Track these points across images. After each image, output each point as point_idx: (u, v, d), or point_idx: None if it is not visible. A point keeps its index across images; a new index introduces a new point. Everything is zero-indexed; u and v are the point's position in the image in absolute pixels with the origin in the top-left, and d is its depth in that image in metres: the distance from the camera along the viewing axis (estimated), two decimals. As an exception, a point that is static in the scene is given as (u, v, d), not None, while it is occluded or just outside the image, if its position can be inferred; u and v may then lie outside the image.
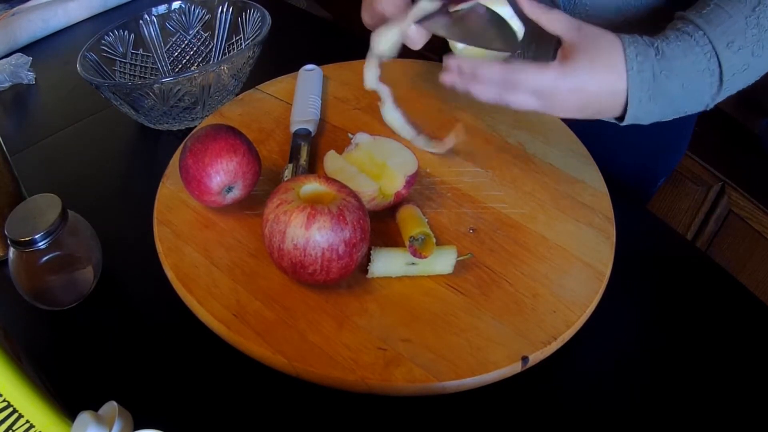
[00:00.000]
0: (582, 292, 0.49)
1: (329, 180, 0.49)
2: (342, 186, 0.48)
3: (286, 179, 0.57)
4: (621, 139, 0.67)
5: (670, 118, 0.50)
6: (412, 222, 0.51)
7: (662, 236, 0.60)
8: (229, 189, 0.53)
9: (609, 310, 0.49)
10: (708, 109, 0.50)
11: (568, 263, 0.51)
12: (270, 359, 0.45)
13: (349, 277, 0.49)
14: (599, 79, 0.47)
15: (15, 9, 0.92)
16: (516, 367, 0.44)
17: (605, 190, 0.58)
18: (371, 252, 0.50)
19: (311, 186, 0.48)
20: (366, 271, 0.50)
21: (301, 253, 0.45)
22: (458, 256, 0.50)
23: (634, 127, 0.51)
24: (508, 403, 0.46)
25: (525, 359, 0.44)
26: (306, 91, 0.69)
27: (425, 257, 0.48)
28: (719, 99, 0.49)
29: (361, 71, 0.59)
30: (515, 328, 0.46)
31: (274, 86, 0.72)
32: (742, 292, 0.54)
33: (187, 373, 0.48)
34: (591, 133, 0.62)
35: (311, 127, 0.64)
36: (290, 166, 0.59)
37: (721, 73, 0.47)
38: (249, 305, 0.48)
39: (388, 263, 0.49)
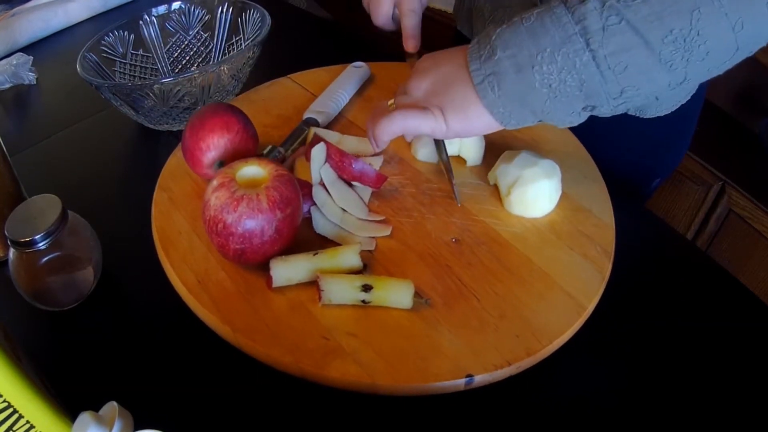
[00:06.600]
0: (554, 323, 0.46)
1: (267, 162, 0.49)
2: (278, 167, 0.49)
3: None
4: (615, 132, 0.66)
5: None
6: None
7: (662, 236, 0.60)
8: (221, 164, 0.54)
9: (608, 310, 0.49)
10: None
11: (548, 290, 0.48)
12: (218, 327, 0.46)
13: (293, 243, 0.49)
14: (442, 58, 0.49)
15: (15, 9, 0.92)
16: (459, 384, 0.43)
17: (611, 222, 0.54)
18: (320, 281, 0.47)
19: (250, 169, 0.49)
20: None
21: (235, 237, 0.46)
22: (415, 296, 0.46)
23: (632, 123, 0.50)
24: (507, 403, 0.46)
25: (470, 378, 0.42)
26: (337, 86, 0.70)
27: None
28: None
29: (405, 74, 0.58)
30: (470, 344, 0.44)
31: (307, 77, 0.74)
32: (742, 292, 0.54)
33: (187, 373, 0.48)
34: (585, 125, 0.61)
35: (321, 119, 0.65)
36: (269, 147, 0.60)
37: None
38: (215, 274, 0.50)
39: (340, 293, 0.47)
